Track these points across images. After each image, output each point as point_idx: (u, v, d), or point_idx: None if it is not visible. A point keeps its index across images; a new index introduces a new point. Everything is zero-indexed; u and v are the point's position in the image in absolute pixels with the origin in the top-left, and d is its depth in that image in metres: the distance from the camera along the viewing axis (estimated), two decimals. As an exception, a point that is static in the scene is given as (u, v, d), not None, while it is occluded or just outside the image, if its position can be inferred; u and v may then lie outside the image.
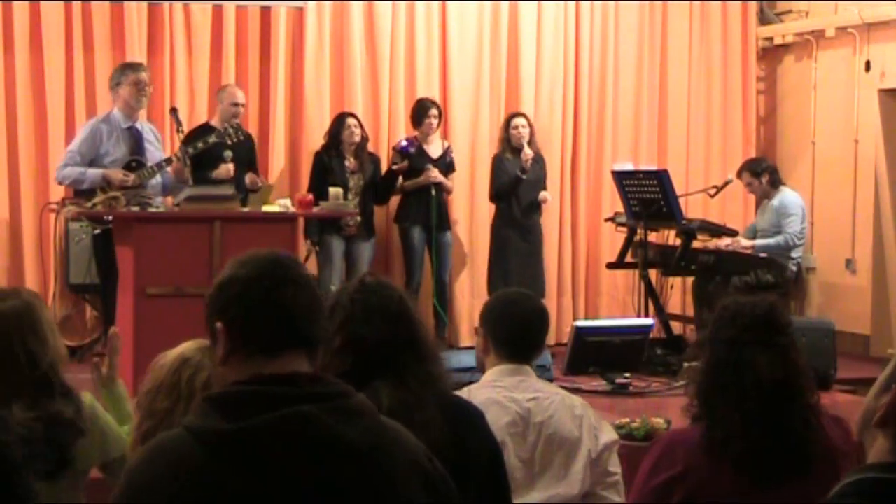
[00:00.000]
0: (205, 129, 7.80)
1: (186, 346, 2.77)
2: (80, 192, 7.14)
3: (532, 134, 8.85)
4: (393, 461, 2.07)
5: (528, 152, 8.68)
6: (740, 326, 3.01)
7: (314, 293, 2.13)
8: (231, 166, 7.67)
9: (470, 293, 9.28)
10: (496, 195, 8.92)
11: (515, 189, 8.77)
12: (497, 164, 8.90)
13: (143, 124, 7.39)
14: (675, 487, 2.96)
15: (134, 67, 7.40)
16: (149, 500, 1.95)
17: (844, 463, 2.92)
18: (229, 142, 7.63)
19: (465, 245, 9.33)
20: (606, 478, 3.59)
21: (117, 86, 7.31)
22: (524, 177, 8.72)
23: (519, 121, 8.85)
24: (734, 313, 3.06)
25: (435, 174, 8.60)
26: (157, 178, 7.22)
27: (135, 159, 7.15)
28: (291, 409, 1.97)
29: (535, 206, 8.92)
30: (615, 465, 3.62)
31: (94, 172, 7.08)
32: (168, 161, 7.13)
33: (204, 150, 7.36)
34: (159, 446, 2.03)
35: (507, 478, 3.06)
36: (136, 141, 7.23)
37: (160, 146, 7.45)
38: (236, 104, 8.13)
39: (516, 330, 3.59)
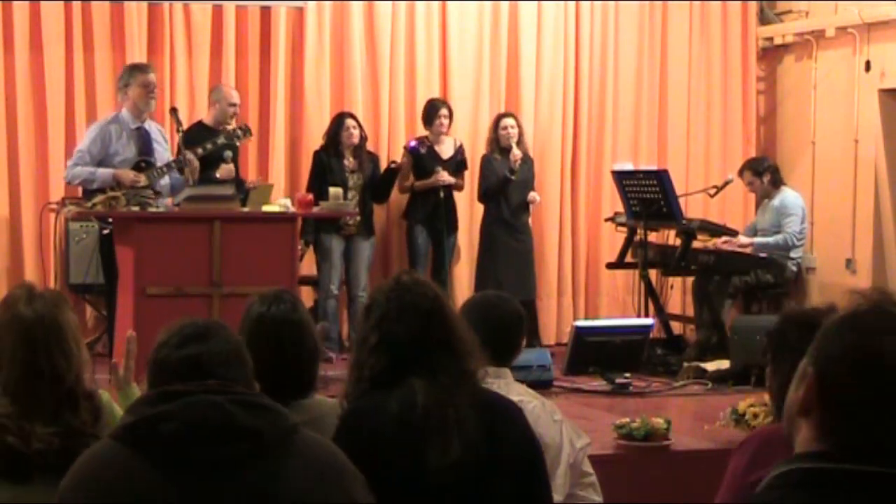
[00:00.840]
0: (200, 129, 7.79)
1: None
2: (87, 192, 7.12)
3: (521, 135, 8.84)
4: (294, 459, 2.21)
5: (516, 153, 8.67)
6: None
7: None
8: (232, 166, 7.68)
9: (469, 293, 9.25)
10: (484, 195, 8.93)
11: (504, 189, 8.77)
12: (486, 164, 8.91)
13: (150, 124, 7.38)
14: None
15: (142, 69, 7.39)
16: (73, 496, 2.18)
17: None
18: (238, 143, 7.71)
19: (466, 245, 9.32)
20: (584, 478, 3.64)
21: (126, 87, 7.30)
22: (513, 177, 8.71)
23: (508, 121, 8.84)
24: (806, 318, 3.01)
25: (444, 177, 8.60)
26: (166, 179, 7.22)
27: (143, 159, 7.14)
28: (195, 397, 2.16)
29: (524, 207, 8.92)
30: (589, 466, 3.72)
31: (104, 172, 7.07)
32: (177, 162, 7.14)
33: (211, 151, 7.39)
34: (83, 455, 2.29)
35: (546, 475, 3.08)
36: (144, 141, 7.23)
37: (168, 146, 7.44)
38: (233, 104, 8.14)
39: (495, 332, 3.60)
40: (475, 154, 9.34)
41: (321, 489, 2.21)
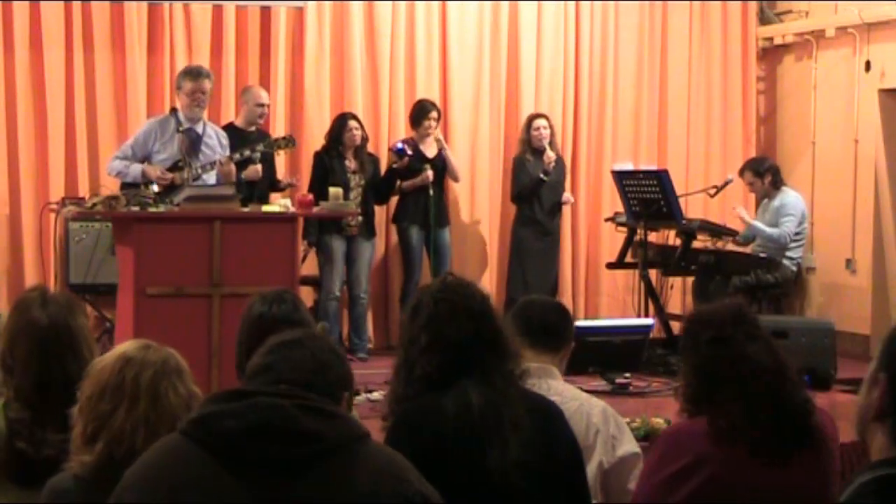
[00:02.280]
0: (231, 132, 7.76)
1: (126, 346, 2.71)
2: (123, 185, 7.12)
3: (552, 135, 8.88)
4: (359, 466, 2.18)
5: (550, 154, 8.73)
6: (718, 325, 3.12)
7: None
8: (259, 167, 7.70)
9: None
10: (518, 197, 8.94)
11: (537, 191, 8.80)
12: (518, 165, 8.92)
13: (207, 127, 7.34)
14: (686, 478, 2.99)
15: (193, 76, 7.27)
16: (136, 483, 2.20)
17: (832, 444, 3.11)
18: (277, 153, 7.86)
19: (465, 245, 9.32)
20: (624, 496, 3.51)
21: (178, 89, 7.30)
22: (546, 179, 8.74)
23: (540, 122, 8.87)
24: (707, 316, 3.20)
25: (431, 175, 8.59)
26: (212, 179, 7.20)
27: (181, 160, 7.12)
28: (261, 399, 2.17)
29: (557, 208, 8.98)
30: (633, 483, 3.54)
31: (136, 167, 7.10)
32: (212, 164, 7.15)
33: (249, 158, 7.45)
34: (153, 445, 2.29)
35: (586, 479, 3.09)
36: (191, 143, 7.20)
37: (224, 151, 7.33)
38: (261, 104, 8.22)
39: (532, 325, 3.64)
40: (476, 154, 9.36)
41: (383, 497, 2.20)
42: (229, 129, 7.89)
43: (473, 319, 2.93)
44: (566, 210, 9.55)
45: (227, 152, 7.32)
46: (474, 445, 2.80)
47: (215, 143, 7.32)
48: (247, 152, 7.40)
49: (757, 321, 3.21)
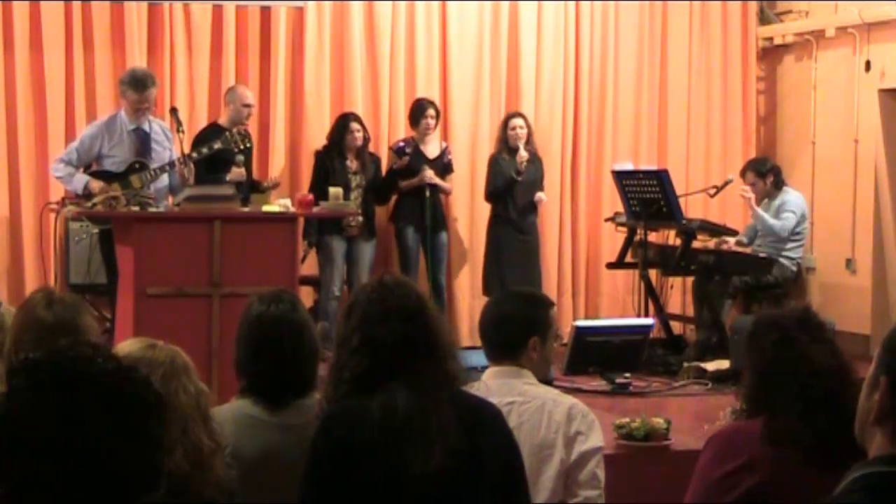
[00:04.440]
0: (214, 131, 7.77)
1: (131, 346, 2.69)
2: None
3: (530, 135, 8.84)
4: None
5: (522, 154, 8.66)
6: (783, 327, 3.10)
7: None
8: (243, 170, 7.70)
9: (469, 293, 9.28)
10: (491, 195, 8.92)
11: (511, 190, 8.77)
12: (493, 164, 8.91)
13: (152, 123, 7.34)
14: (740, 478, 2.97)
15: (138, 88, 7.17)
16: None
17: None
18: (236, 149, 7.65)
19: (465, 245, 9.33)
20: (593, 481, 3.51)
21: (122, 95, 7.29)
22: (519, 178, 8.71)
23: (517, 121, 8.84)
24: (774, 319, 3.17)
25: (430, 175, 8.59)
26: (165, 180, 7.20)
27: (138, 161, 7.13)
28: None
29: (532, 207, 8.92)
30: (601, 471, 3.57)
31: (80, 178, 7.11)
32: (171, 164, 7.13)
33: (213, 154, 7.37)
34: None
35: (525, 482, 3.02)
36: (142, 142, 7.20)
37: (171, 145, 7.34)
38: (247, 105, 8.17)
39: (485, 339, 3.62)
40: (476, 154, 9.35)
41: None
42: (211, 127, 7.88)
43: (405, 321, 2.86)
44: (566, 210, 9.57)
45: (174, 147, 7.27)
46: (397, 451, 2.74)
47: (163, 138, 7.33)
48: (204, 150, 7.31)
49: (823, 324, 3.17)
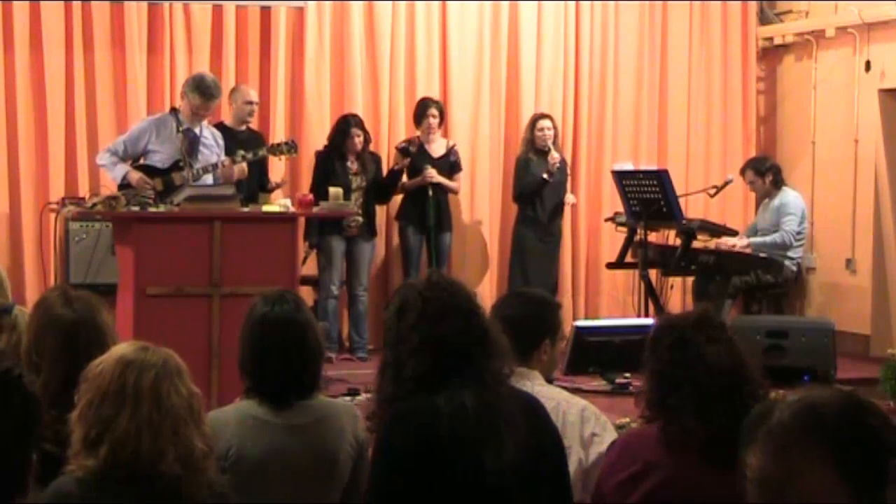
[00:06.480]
0: (220, 131, 7.75)
1: (124, 349, 2.68)
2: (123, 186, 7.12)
3: (556, 136, 8.88)
4: None
5: (555, 155, 8.73)
6: (680, 329, 3.10)
7: None
8: (245, 166, 7.70)
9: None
10: (520, 197, 8.93)
11: (539, 192, 8.79)
12: (521, 165, 8.92)
13: (204, 129, 7.35)
14: (635, 484, 3.00)
15: (205, 95, 7.16)
16: None
17: None
18: (280, 158, 7.91)
19: (465, 245, 9.32)
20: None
21: (184, 97, 7.27)
22: (550, 180, 8.74)
23: (545, 122, 8.86)
24: (669, 323, 3.18)
25: (432, 174, 8.58)
26: (208, 181, 7.20)
27: (180, 160, 7.11)
28: None
29: (559, 209, 8.96)
30: None
31: (120, 168, 7.12)
32: (214, 166, 7.17)
33: (227, 153, 7.40)
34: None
35: (569, 474, 3.07)
36: (190, 143, 7.19)
37: (220, 151, 7.35)
38: (250, 102, 8.23)
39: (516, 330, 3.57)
40: (476, 154, 9.35)
41: None
42: (220, 128, 7.89)
43: (463, 318, 2.90)
44: (566, 210, 9.56)
45: (223, 154, 7.33)
46: (470, 447, 2.77)
47: (212, 143, 7.35)
48: (249, 155, 7.40)
49: (723, 325, 3.16)
